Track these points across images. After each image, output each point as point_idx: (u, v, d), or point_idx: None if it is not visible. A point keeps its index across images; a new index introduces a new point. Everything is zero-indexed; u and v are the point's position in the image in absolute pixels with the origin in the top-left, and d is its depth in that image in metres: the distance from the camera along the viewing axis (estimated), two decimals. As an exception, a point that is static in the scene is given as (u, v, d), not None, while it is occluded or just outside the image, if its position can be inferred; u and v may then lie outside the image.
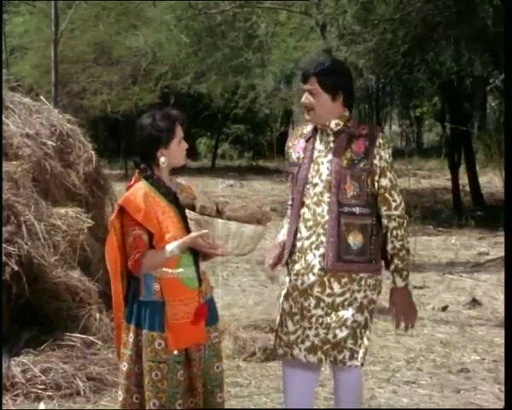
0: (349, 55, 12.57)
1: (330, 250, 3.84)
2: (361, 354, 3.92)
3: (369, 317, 3.96)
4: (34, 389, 5.32)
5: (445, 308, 7.81)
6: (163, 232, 3.57)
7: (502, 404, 4.70)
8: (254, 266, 9.79)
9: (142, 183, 3.67)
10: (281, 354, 4.00)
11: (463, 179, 16.21)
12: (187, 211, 3.61)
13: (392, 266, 3.94)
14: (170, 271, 3.60)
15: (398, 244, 3.93)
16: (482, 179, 16.90)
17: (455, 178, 15.76)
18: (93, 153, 7.34)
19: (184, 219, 3.62)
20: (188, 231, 3.60)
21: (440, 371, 5.94)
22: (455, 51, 13.88)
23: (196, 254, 3.68)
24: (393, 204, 3.95)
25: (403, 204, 3.99)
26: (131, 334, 3.60)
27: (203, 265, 3.75)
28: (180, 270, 3.61)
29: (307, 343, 3.91)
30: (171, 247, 3.55)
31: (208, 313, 3.72)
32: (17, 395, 5.28)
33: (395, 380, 5.75)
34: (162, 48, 17.66)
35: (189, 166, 25.19)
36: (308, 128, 4.07)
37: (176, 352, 3.57)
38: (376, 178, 3.90)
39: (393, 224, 3.93)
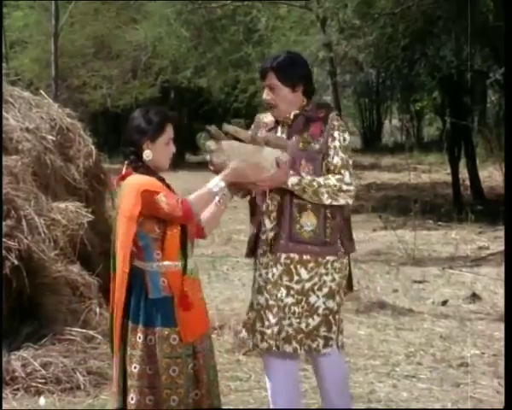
0: (349, 49, 12.58)
1: (283, 231, 3.89)
2: (337, 340, 3.97)
3: (341, 300, 4.02)
4: (34, 384, 5.33)
5: (444, 303, 7.82)
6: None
7: (501, 398, 4.70)
8: (254, 261, 9.78)
9: (137, 175, 3.61)
10: (266, 348, 4.01)
11: (463, 174, 16.20)
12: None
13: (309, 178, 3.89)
14: (174, 264, 3.59)
15: (321, 180, 3.88)
16: (482, 173, 16.89)
17: (455, 173, 15.75)
18: (93, 147, 7.34)
19: None
20: None
21: (440, 366, 5.94)
22: (455, 45, 13.87)
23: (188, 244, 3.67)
24: (346, 181, 3.91)
25: (353, 185, 3.94)
26: (140, 335, 3.54)
27: None
28: (182, 262, 3.60)
29: (283, 334, 3.94)
30: (214, 182, 3.56)
31: None
32: (17, 390, 5.29)
33: (395, 374, 5.75)
34: (162, 42, 17.67)
35: (189, 160, 25.21)
36: (269, 117, 4.11)
37: (186, 345, 3.55)
38: (329, 159, 3.93)
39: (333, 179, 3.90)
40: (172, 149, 3.66)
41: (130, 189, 3.55)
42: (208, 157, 3.86)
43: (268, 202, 3.95)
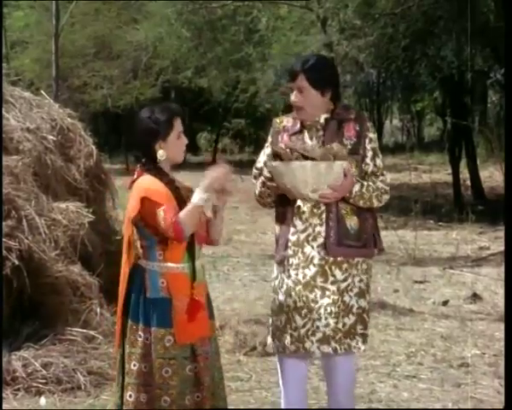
0: (350, 49, 12.57)
1: (331, 235, 3.87)
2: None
3: (370, 300, 4.05)
4: (35, 384, 5.33)
5: (445, 303, 7.82)
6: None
7: (502, 398, 4.70)
8: (255, 261, 9.80)
9: (148, 176, 3.64)
10: (293, 351, 3.97)
11: (464, 174, 16.22)
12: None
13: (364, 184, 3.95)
14: (176, 266, 3.59)
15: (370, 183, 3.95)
16: (483, 174, 16.90)
17: (455, 173, 15.77)
18: (94, 147, 7.34)
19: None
20: None
21: (441, 366, 5.94)
22: (456, 46, 13.87)
23: (195, 247, 3.67)
24: (386, 182, 4.02)
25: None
26: (140, 332, 3.56)
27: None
28: (186, 264, 3.61)
29: (318, 335, 3.90)
30: (196, 197, 3.55)
31: (208, 306, 3.72)
32: (18, 390, 5.29)
33: (396, 374, 5.76)
34: (163, 42, 17.67)
35: (190, 160, 25.20)
36: (290, 122, 4.06)
37: (182, 347, 3.55)
38: (367, 160, 3.96)
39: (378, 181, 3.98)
40: (184, 140, 3.70)
41: (134, 191, 3.60)
42: (266, 174, 3.90)
43: (300, 203, 3.92)
